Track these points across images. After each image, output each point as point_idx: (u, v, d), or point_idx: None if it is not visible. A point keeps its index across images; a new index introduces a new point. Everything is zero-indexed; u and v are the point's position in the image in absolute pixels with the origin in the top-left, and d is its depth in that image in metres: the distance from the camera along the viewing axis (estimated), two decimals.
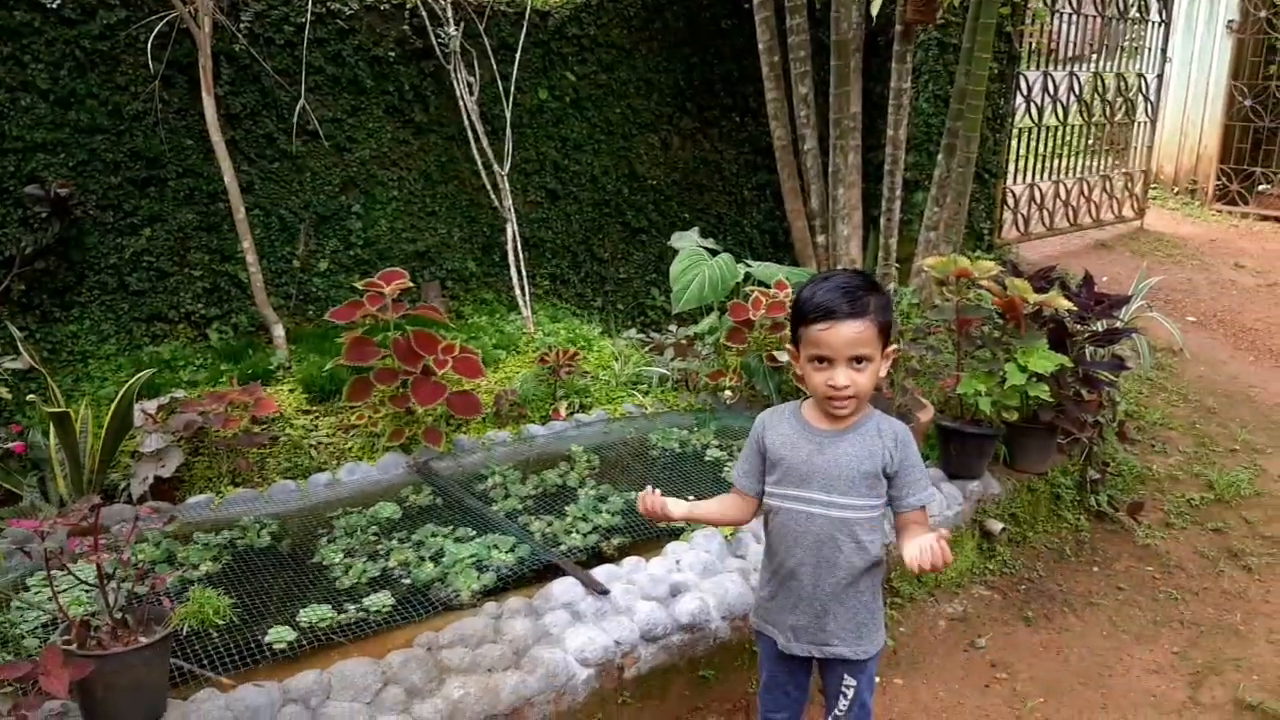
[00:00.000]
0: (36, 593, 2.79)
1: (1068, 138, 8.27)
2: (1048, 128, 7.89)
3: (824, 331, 1.99)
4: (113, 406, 3.38)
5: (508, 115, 5.10)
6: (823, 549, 2.09)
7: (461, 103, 4.92)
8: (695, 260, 4.59)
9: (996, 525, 3.68)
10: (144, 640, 2.13)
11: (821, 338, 2.00)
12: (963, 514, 3.59)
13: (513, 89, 5.12)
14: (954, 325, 3.78)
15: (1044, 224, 8.06)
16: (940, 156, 5.01)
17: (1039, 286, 3.79)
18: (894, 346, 2.09)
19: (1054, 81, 7.73)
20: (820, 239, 5.58)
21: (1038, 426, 3.78)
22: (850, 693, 2.16)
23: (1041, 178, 8.03)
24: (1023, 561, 3.78)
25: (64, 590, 2.71)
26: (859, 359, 2.01)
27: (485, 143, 4.98)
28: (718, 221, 6.37)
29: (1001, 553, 3.75)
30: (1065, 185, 8.28)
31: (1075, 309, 3.78)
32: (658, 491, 2.24)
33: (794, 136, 5.59)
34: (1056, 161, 8.22)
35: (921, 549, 1.94)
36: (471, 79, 4.94)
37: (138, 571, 2.23)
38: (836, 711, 2.19)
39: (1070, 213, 8.38)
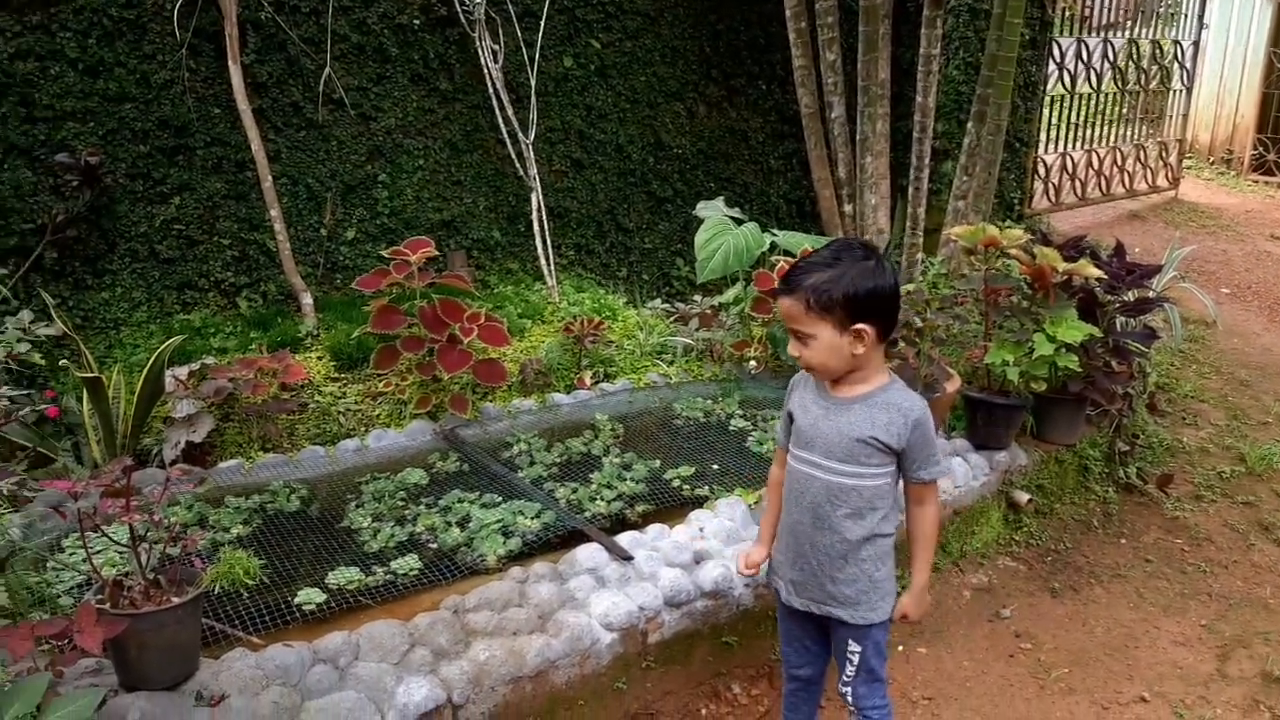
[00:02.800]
0: (71, 554, 2.85)
1: (1101, 106, 8.13)
2: (1081, 96, 7.76)
3: (778, 303, 2.14)
4: (144, 372, 3.43)
5: (532, 83, 5.08)
6: (819, 510, 2.13)
7: (486, 71, 4.90)
8: (720, 229, 4.55)
9: (1023, 496, 3.66)
10: (176, 600, 2.16)
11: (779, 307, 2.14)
12: (989, 485, 3.57)
13: (537, 57, 5.09)
14: (982, 295, 3.75)
15: (1076, 194, 7.95)
16: (970, 124, 4.94)
17: (1069, 256, 3.74)
18: (860, 326, 2.01)
19: (1088, 48, 7.59)
20: (847, 208, 5.53)
21: (1066, 397, 3.75)
22: (856, 659, 2.17)
23: (1074, 147, 7.91)
24: (1049, 533, 3.76)
25: (98, 551, 2.77)
26: (797, 333, 2.07)
27: (510, 111, 4.96)
28: (743, 191, 6.32)
29: (1028, 524, 3.73)
30: (1098, 154, 8.15)
31: (1105, 278, 3.73)
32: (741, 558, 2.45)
33: (821, 104, 5.53)
34: (1089, 130, 8.09)
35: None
36: (496, 46, 4.91)
37: (170, 533, 2.27)
38: (844, 676, 2.21)
39: (1103, 182, 8.26)
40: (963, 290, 3.94)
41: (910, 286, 4.09)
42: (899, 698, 2.78)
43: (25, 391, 3.41)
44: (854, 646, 2.17)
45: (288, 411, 3.71)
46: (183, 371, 3.63)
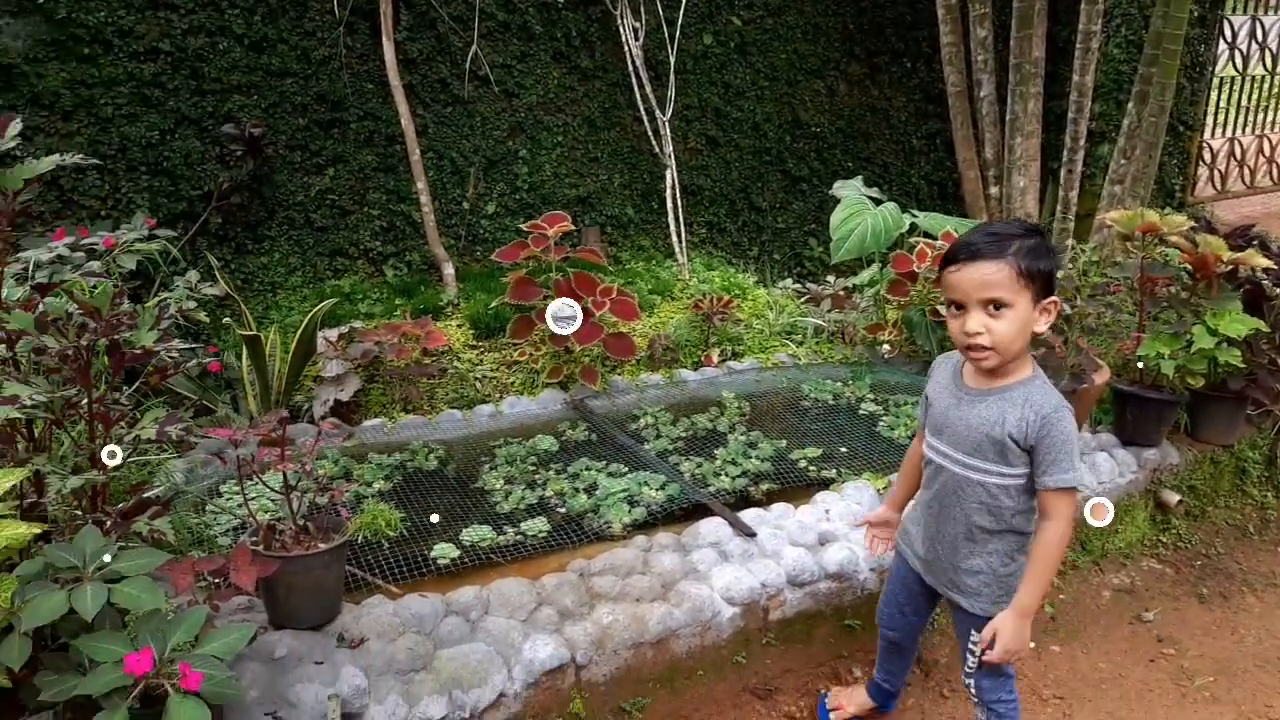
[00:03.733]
0: (228, 499, 3.04)
1: (1275, 89, 7.57)
2: (1253, 78, 7.24)
3: (955, 273, 1.91)
4: (298, 333, 3.62)
5: (671, 61, 5.08)
6: (946, 499, 2.07)
7: (626, 48, 4.93)
8: (857, 209, 4.47)
9: (1173, 497, 3.47)
10: (323, 546, 2.28)
11: (952, 279, 1.91)
12: (1136, 482, 3.40)
13: (677, 34, 5.09)
14: (1137, 283, 3.55)
15: (1244, 182, 7.44)
16: (1131, 105, 4.68)
17: (1235, 245, 3.50)
18: (1054, 299, 1.91)
19: (1263, 27, 7.06)
20: (993, 190, 5.34)
21: (1225, 395, 3.52)
22: (977, 649, 2.11)
23: (1243, 132, 7.40)
24: (1200, 536, 3.56)
25: (253, 497, 2.95)
26: (994, 303, 1.87)
27: (649, 89, 4.98)
28: (883, 171, 6.18)
29: (1177, 526, 3.54)
30: (1270, 140, 7.60)
31: (1275, 269, 3.48)
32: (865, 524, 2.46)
33: (969, 83, 5.34)
34: (1261, 115, 7.54)
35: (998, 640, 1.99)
36: (637, 24, 4.94)
37: (319, 483, 2.39)
38: (967, 667, 2.16)
39: (1274, 170, 7.70)
40: (1116, 278, 3.74)
41: (1060, 273, 3.92)
42: (1028, 694, 2.69)
43: (191, 346, 3.65)
44: (975, 636, 2.11)
45: (428, 375, 3.85)
46: (333, 334, 3.82)
